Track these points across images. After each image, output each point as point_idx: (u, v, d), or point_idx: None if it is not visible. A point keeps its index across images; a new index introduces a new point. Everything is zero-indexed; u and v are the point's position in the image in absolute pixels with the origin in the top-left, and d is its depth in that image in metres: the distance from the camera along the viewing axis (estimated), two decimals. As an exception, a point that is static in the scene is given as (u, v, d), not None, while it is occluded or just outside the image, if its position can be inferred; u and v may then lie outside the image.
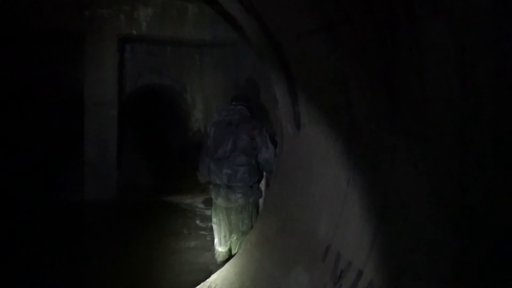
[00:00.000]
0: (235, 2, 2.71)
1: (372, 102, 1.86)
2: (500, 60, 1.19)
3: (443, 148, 1.46)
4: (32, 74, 6.67)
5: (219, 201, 3.36)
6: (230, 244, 3.50)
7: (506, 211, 1.25)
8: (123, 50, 6.86)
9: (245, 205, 3.36)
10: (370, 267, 1.80)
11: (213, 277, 3.13)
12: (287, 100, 2.88)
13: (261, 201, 3.61)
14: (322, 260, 2.15)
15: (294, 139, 2.86)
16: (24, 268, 3.66)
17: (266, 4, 2.40)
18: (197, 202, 6.18)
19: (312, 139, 2.57)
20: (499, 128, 1.24)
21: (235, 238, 3.43)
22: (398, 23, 1.50)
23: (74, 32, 5.84)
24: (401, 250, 1.66)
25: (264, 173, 3.56)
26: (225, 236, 3.46)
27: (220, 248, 3.51)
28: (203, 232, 4.83)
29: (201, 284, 3.11)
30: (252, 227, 3.35)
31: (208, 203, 3.92)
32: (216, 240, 3.54)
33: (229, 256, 3.46)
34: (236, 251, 3.42)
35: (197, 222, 5.28)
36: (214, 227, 3.51)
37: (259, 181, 3.50)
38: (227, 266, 3.17)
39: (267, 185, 3.73)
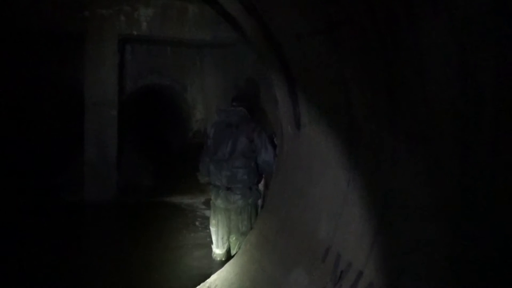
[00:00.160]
0: (236, 3, 2.71)
1: (372, 102, 1.86)
2: (500, 60, 1.19)
3: (443, 148, 1.46)
4: (32, 74, 6.67)
5: (219, 202, 3.37)
6: (228, 246, 3.50)
7: (506, 211, 1.25)
8: (123, 50, 6.86)
9: (244, 206, 3.36)
10: (370, 267, 1.80)
11: (213, 277, 3.13)
12: (287, 100, 2.88)
13: (260, 202, 3.61)
14: (322, 260, 2.15)
15: (294, 139, 2.86)
16: (24, 268, 3.65)
17: (266, 5, 2.40)
18: (197, 202, 6.18)
19: (312, 139, 2.57)
20: (499, 128, 1.24)
21: (234, 238, 3.43)
22: (398, 23, 1.50)
23: (74, 32, 5.84)
24: (401, 250, 1.66)
25: (263, 174, 3.57)
26: (222, 238, 3.46)
27: (218, 250, 3.51)
28: (203, 233, 4.82)
29: (201, 284, 3.11)
30: (251, 228, 3.36)
31: (208, 203, 3.92)
32: (213, 242, 3.54)
33: (227, 257, 3.46)
34: (235, 251, 3.42)
35: (197, 222, 5.28)
36: (212, 229, 3.51)
37: (258, 182, 3.51)
38: (227, 266, 3.16)
39: (266, 186, 3.73)
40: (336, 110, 2.20)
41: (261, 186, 3.60)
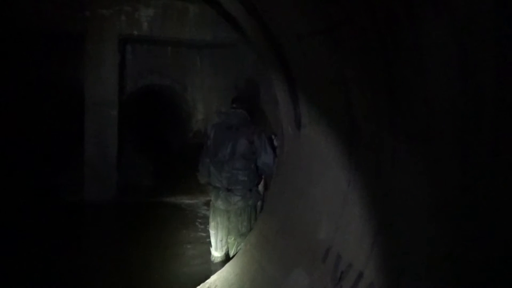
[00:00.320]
0: (236, 3, 2.71)
1: (372, 102, 1.86)
2: (501, 60, 1.18)
3: (443, 149, 1.46)
4: (33, 74, 6.68)
5: (219, 204, 3.37)
6: (227, 248, 3.50)
7: (507, 212, 1.25)
8: (124, 50, 6.87)
9: (244, 208, 3.37)
10: (371, 268, 1.80)
11: (213, 277, 3.13)
12: (287, 100, 2.88)
13: (259, 203, 3.62)
14: (323, 261, 2.15)
15: (295, 139, 2.86)
16: (24, 268, 3.65)
17: (266, 5, 2.40)
18: (197, 202, 6.17)
19: (312, 139, 2.57)
20: (499, 128, 1.24)
21: (232, 239, 3.43)
22: (399, 23, 1.50)
23: (75, 32, 5.84)
24: (401, 250, 1.66)
25: (263, 176, 3.57)
26: (221, 240, 3.46)
27: (216, 253, 3.52)
28: (203, 233, 4.82)
29: (201, 285, 3.11)
30: (251, 229, 3.36)
31: (208, 204, 3.92)
32: (212, 245, 3.54)
33: (226, 259, 3.46)
34: (233, 253, 3.42)
35: (197, 222, 5.28)
36: (211, 231, 3.51)
37: (257, 184, 3.51)
38: (227, 267, 3.16)
39: (266, 187, 3.73)
40: (336, 110, 2.20)
41: (260, 187, 3.60)
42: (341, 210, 2.12)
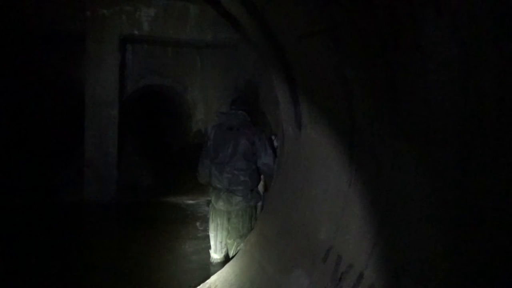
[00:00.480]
0: (237, 3, 2.71)
1: (373, 103, 1.85)
2: (503, 61, 1.18)
3: (444, 149, 1.45)
4: (33, 74, 6.68)
5: (220, 205, 3.36)
6: (226, 250, 3.50)
7: (507, 213, 1.25)
8: (125, 51, 6.87)
9: (245, 208, 3.37)
10: (371, 269, 1.79)
11: (213, 278, 3.12)
12: (288, 101, 2.88)
13: (260, 204, 3.61)
14: (323, 262, 2.14)
15: (295, 140, 2.86)
16: (24, 268, 3.65)
17: (268, 6, 2.39)
18: (197, 202, 6.17)
19: (313, 140, 2.56)
20: (500, 129, 1.24)
21: (232, 240, 3.42)
22: (400, 24, 1.49)
23: (75, 32, 5.84)
24: (402, 252, 1.65)
25: (262, 176, 3.57)
26: (221, 242, 3.45)
27: (216, 255, 3.51)
28: (203, 233, 4.82)
29: (201, 285, 3.11)
30: (251, 229, 3.35)
31: (208, 203, 3.93)
32: (212, 247, 3.54)
33: (226, 260, 3.45)
34: (233, 254, 3.42)
35: (197, 223, 5.28)
36: (211, 234, 3.51)
37: (257, 184, 3.51)
38: (227, 267, 3.16)
39: (266, 188, 3.73)
40: (337, 111, 2.19)
41: (260, 187, 3.60)
42: (342, 211, 2.12)
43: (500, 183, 1.26)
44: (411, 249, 1.61)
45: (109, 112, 6.01)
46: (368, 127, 1.93)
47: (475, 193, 1.35)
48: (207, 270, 3.59)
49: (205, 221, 5.03)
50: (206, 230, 4.75)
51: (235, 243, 3.41)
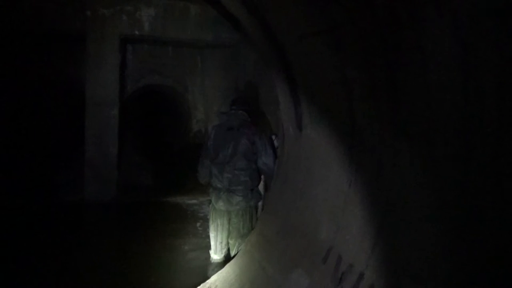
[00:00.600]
0: (238, 3, 2.71)
1: (374, 104, 1.85)
2: (504, 62, 1.18)
3: (445, 151, 1.45)
4: (33, 74, 6.68)
5: (220, 205, 3.36)
6: (226, 250, 3.50)
7: (507, 213, 1.24)
8: (125, 50, 6.87)
9: (245, 208, 3.36)
10: (371, 269, 1.79)
11: (213, 278, 3.12)
12: (289, 101, 2.88)
13: (260, 204, 3.61)
14: (323, 262, 2.14)
15: (296, 140, 2.86)
16: (24, 268, 3.65)
17: (268, 6, 2.39)
18: (198, 202, 6.17)
19: (313, 140, 2.56)
20: (501, 129, 1.24)
21: (233, 240, 3.42)
22: (401, 24, 1.49)
23: (76, 32, 5.85)
24: (402, 252, 1.65)
25: (262, 176, 3.57)
26: (221, 243, 3.45)
27: (216, 256, 3.51)
28: (203, 233, 4.82)
29: (201, 285, 3.10)
30: (252, 229, 3.35)
31: (208, 203, 3.94)
32: (212, 248, 3.53)
33: (226, 260, 3.45)
34: (234, 253, 3.42)
35: (197, 223, 5.27)
36: (211, 234, 3.50)
37: (257, 184, 3.51)
38: (227, 267, 3.16)
39: (266, 188, 3.73)
40: (337, 111, 2.19)
41: (260, 187, 3.60)
42: (342, 211, 2.12)
43: (500, 183, 1.26)
44: (411, 249, 1.61)
45: (109, 112, 6.02)
46: (368, 127, 1.93)
47: (475, 193, 1.35)
48: (207, 270, 3.59)
49: (205, 221, 5.04)
50: (206, 230, 4.75)
51: (237, 243, 3.41)
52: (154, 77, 7.44)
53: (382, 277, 1.72)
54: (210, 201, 3.55)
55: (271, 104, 4.70)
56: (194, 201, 6.23)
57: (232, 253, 3.46)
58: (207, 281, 3.13)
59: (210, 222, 3.50)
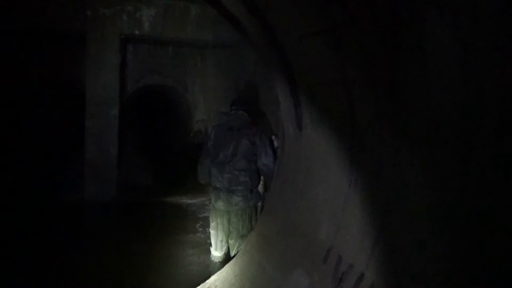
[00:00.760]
0: (238, 3, 2.70)
1: (374, 104, 1.85)
2: (505, 62, 1.18)
3: (445, 150, 1.45)
4: (33, 74, 6.68)
5: (219, 205, 3.36)
6: (227, 248, 3.50)
7: (507, 213, 1.24)
8: (125, 50, 6.87)
9: (245, 209, 3.37)
10: (372, 270, 1.79)
11: (213, 278, 3.12)
12: (289, 101, 2.87)
13: (260, 204, 3.61)
14: (323, 262, 2.14)
15: (296, 140, 2.86)
16: (24, 268, 3.65)
17: (269, 5, 2.39)
18: (198, 202, 6.17)
19: (313, 140, 2.56)
20: (502, 130, 1.23)
21: (233, 240, 3.43)
22: (402, 24, 1.49)
23: (76, 32, 5.85)
24: (402, 252, 1.65)
25: (262, 177, 3.57)
26: (221, 241, 3.46)
27: (216, 253, 3.52)
28: (203, 233, 4.82)
29: (201, 285, 3.10)
30: (251, 230, 3.36)
31: (208, 203, 3.93)
32: (212, 245, 3.55)
33: (226, 259, 3.46)
34: (234, 253, 3.42)
35: (197, 223, 5.28)
36: (212, 232, 3.52)
37: (257, 185, 3.51)
38: (227, 267, 3.16)
39: (266, 188, 3.73)
40: (337, 111, 2.19)
41: (260, 188, 3.60)
42: (342, 211, 2.12)
43: (500, 183, 1.26)
44: (411, 249, 1.61)
45: (109, 112, 6.02)
46: (369, 127, 1.92)
47: (475, 193, 1.35)
48: (207, 270, 3.60)
49: (205, 221, 5.04)
50: (206, 230, 4.76)
51: (236, 243, 3.42)
52: (154, 77, 7.44)
53: (382, 277, 1.72)
54: (210, 200, 3.56)
55: (271, 104, 4.70)
56: (194, 201, 6.23)
57: (232, 253, 3.46)
58: (207, 281, 3.13)
59: (211, 220, 3.52)
